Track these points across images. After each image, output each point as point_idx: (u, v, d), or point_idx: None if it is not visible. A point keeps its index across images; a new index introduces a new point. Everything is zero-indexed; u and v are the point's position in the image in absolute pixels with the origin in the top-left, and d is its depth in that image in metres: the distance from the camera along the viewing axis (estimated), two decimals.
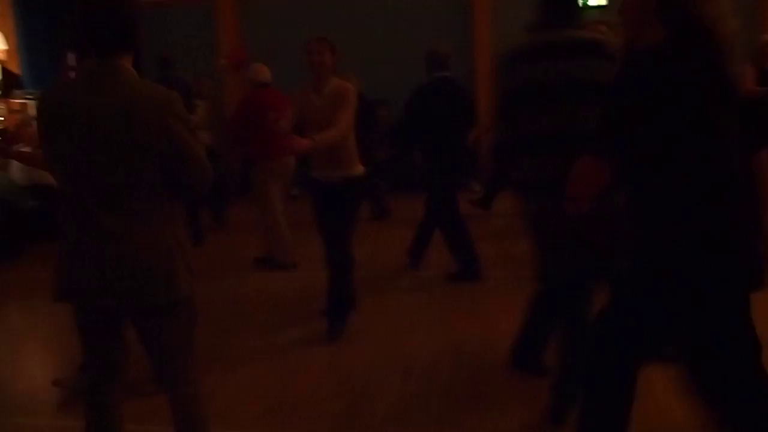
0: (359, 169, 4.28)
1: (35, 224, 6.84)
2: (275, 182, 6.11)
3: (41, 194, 6.87)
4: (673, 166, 2.08)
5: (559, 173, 2.31)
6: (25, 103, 8.92)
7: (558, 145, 2.78)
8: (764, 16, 9.18)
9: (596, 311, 2.34)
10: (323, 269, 4.38)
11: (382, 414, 3.34)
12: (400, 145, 8.30)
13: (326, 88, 4.16)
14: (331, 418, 3.33)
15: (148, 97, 2.23)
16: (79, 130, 2.22)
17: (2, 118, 8.67)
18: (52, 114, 2.28)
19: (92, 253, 2.29)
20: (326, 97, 4.15)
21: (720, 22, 2.02)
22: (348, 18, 9.85)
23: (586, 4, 9.44)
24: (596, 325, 2.32)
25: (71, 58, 9.59)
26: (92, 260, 2.29)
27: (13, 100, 8.97)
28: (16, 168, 7.12)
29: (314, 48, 4.15)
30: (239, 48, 9.78)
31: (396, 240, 6.42)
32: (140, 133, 2.20)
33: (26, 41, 10.23)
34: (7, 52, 8.83)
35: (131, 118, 2.19)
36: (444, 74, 5.48)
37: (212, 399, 3.45)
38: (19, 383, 4.02)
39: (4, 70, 8.94)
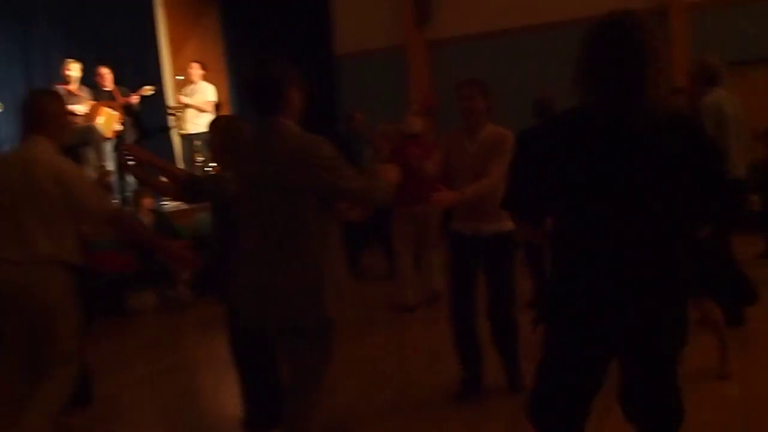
0: (509, 224, 3.79)
1: None
2: (408, 228, 6.23)
3: None
4: (570, 226, 2.15)
5: None
6: None
7: None
8: None
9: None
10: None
11: None
12: None
13: (481, 134, 3.85)
14: None
15: (296, 147, 2.67)
16: (250, 177, 2.77)
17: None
18: (237, 166, 2.89)
19: (252, 282, 2.78)
20: (481, 144, 3.84)
21: (650, 88, 1.99)
22: (540, 63, 9.74)
23: None
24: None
25: None
26: (251, 288, 2.78)
27: None
28: None
29: (465, 93, 3.84)
30: (429, 94, 10.00)
31: None
32: (292, 177, 2.65)
33: (238, 92, 11.15)
34: (219, 104, 9.63)
35: (284, 165, 2.66)
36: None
37: None
38: (223, 410, 4.27)
39: None
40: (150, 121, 9.43)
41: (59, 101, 3.65)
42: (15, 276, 3.25)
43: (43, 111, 3.44)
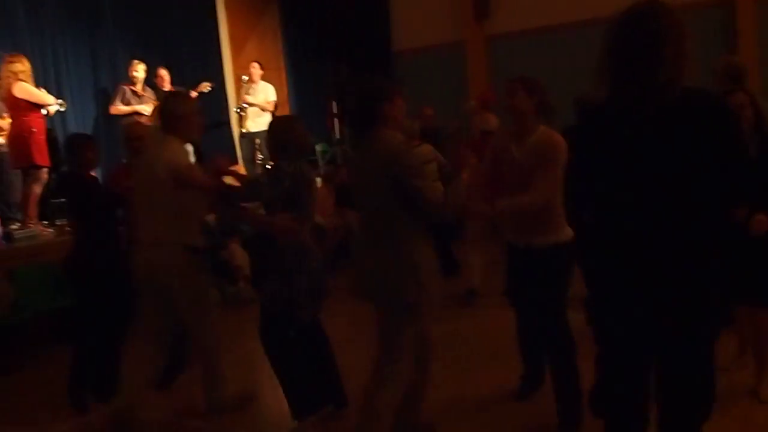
0: (567, 233, 3.42)
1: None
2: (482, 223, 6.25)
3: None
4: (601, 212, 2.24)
5: None
6: None
7: None
8: None
9: None
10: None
11: None
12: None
13: (530, 138, 3.47)
14: None
15: (385, 155, 3.11)
16: (357, 182, 3.33)
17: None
18: (348, 172, 3.73)
19: (359, 263, 3.38)
20: (528, 150, 3.46)
21: (667, 68, 2.02)
22: None
23: None
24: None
25: (334, 107, 10.40)
26: (360, 267, 3.38)
27: None
28: None
29: (507, 89, 3.54)
30: (488, 89, 9.91)
31: None
32: (381, 181, 3.11)
33: (296, 90, 11.28)
34: (277, 103, 9.76)
35: (376, 170, 3.13)
36: None
37: None
38: (281, 406, 4.31)
39: None
40: (209, 119, 9.66)
41: (188, 103, 4.16)
42: (146, 255, 3.93)
43: (172, 112, 3.94)
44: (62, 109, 7.66)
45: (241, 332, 6.31)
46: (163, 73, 8.80)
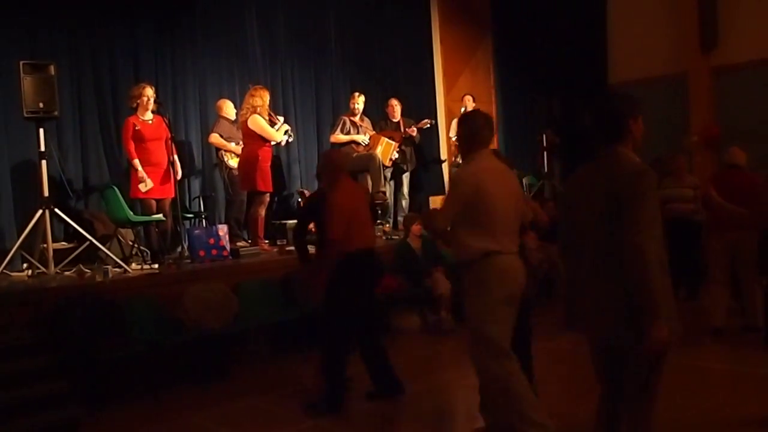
0: None
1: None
2: (724, 257, 6.19)
3: None
4: None
5: None
6: None
7: None
8: None
9: None
10: None
11: None
12: None
13: None
14: None
15: (622, 174, 2.82)
16: (581, 199, 2.99)
17: None
18: (569, 189, 3.17)
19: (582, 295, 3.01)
20: None
21: None
22: None
23: None
24: None
25: (544, 140, 10.33)
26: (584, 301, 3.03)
27: None
28: None
29: None
30: (712, 124, 9.32)
31: None
32: (610, 202, 2.81)
33: (506, 123, 11.32)
34: None
35: (608, 191, 2.83)
36: None
37: None
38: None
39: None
40: (425, 152, 10.06)
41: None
42: None
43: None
44: (290, 140, 8.32)
45: (437, 361, 6.42)
46: (395, 103, 9.32)
